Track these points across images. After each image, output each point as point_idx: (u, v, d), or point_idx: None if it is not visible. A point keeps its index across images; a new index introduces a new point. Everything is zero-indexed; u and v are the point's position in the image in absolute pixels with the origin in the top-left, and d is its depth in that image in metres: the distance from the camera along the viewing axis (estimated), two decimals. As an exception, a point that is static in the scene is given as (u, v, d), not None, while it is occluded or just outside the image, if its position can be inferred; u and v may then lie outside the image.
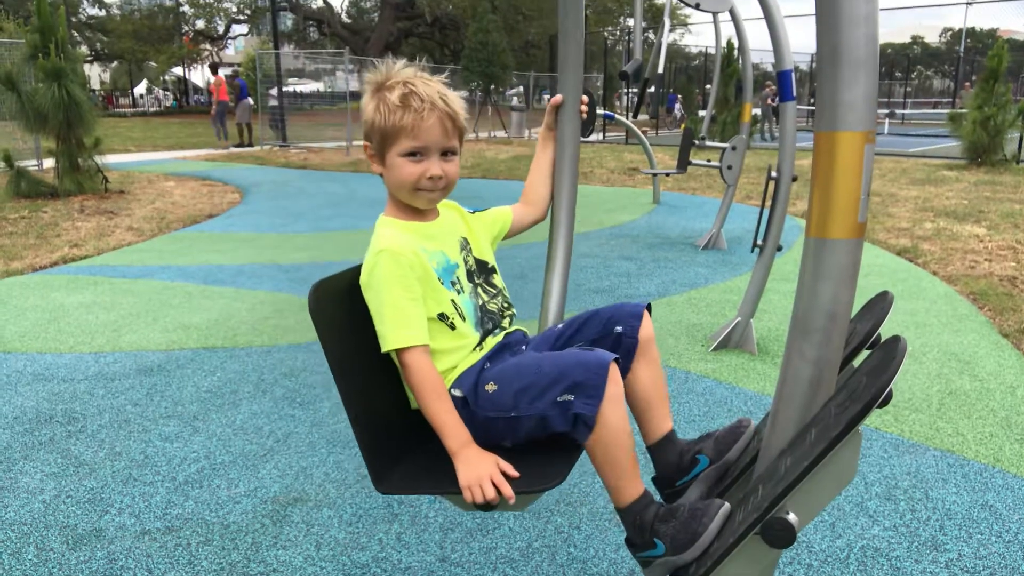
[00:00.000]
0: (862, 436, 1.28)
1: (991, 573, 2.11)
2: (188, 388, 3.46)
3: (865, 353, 1.46)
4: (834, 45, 1.11)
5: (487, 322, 1.69)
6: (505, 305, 1.78)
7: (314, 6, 42.20)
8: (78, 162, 9.54)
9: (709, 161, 7.91)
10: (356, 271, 1.61)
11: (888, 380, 1.17)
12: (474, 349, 1.65)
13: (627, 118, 12.94)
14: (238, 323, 4.42)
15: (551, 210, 2.03)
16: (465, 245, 1.75)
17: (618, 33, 36.58)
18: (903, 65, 44.55)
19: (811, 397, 1.27)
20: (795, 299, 1.26)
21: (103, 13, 42.61)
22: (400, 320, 1.52)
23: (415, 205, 1.67)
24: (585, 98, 1.97)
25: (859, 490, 2.55)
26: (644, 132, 13.43)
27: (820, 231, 1.18)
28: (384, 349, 1.52)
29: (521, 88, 29.18)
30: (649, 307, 1.72)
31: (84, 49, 39.64)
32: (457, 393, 1.58)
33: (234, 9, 42.26)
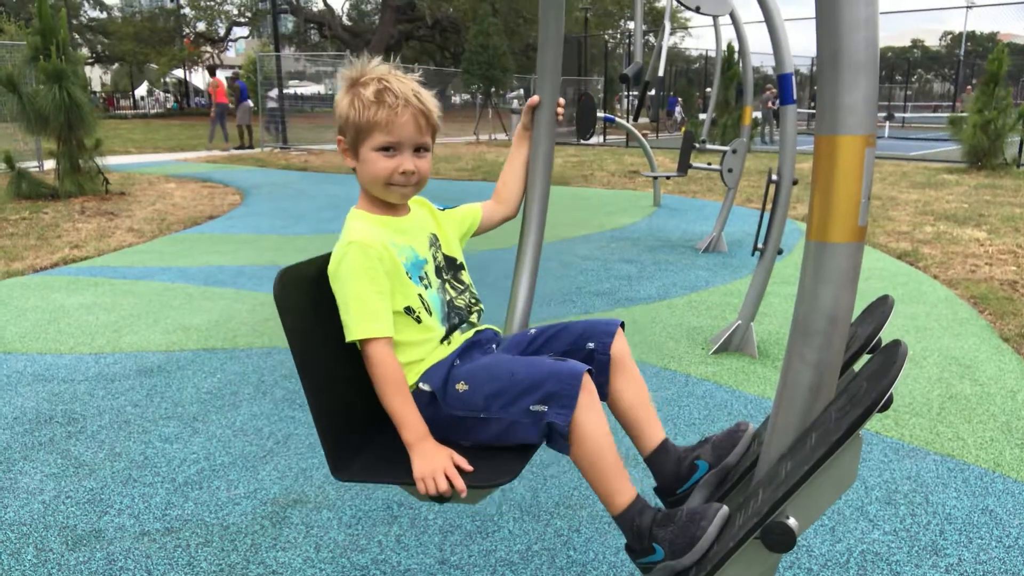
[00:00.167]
0: (862, 440, 1.28)
1: (991, 577, 2.11)
2: (188, 389, 3.46)
3: (866, 357, 1.46)
4: (834, 48, 1.11)
5: (454, 317, 1.72)
6: (473, 301, 1.81)
7: (315, 9, 42.27)
8: (79, 164, 9.55)
9: (710, 164, 7.91)
10: (323, 260, 1.64)
11: (889, 384, 1.17)
12: (441, 343, 1.67)
13: (628, 121, 12.94)
14: (238, 324, 4.42)
15: (523, 209, 2.07)
16: (434, 241, 1.78)
17: (619, 36, 36.63)
18: (903, 69, 44.58)
19: (811, 401, 1.26)
20: (796, 303, 1.26)
21: (104, 15, 42.72)
22: (365, 312, 1.54)
23: (387, 199, 1.69)
24: (562, 100, 2.01)
25: (859, 494, 2.55)
26: (644, 135, 13.44)
27: (821, 235, 1.18)
28: (348, 339, 1.55)
29: (522, 91, 29.21)
30: (623, 325, 1.74)
31: (85, 51, 39.67)
32: (426, 388, 1.61)
33: (235, 11, 42.31)
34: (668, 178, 10.16)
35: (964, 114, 14.12)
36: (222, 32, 44.29)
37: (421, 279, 1.67)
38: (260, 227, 7.94)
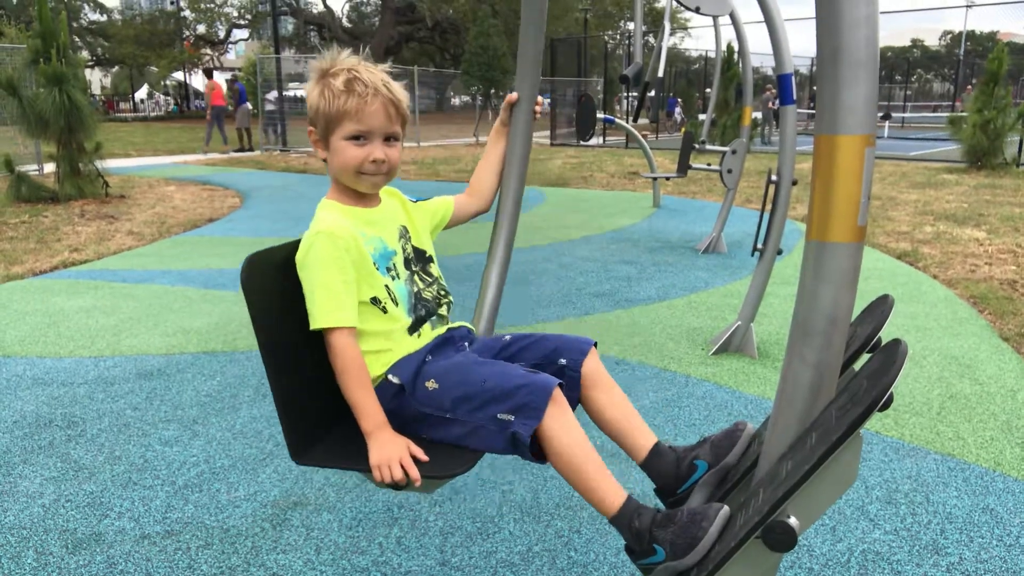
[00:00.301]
0: (863, 440, 1.28)
1: (993, 577, 2.11)
2: (188, 392, 3.46)
3: (866, 357, 1.46)
4: (835, 46, 1.11)
5: (420, 308, 1.73)
6: (441, 293, 1.82)
7: (315, 11, 42.32)
8: (79, 167, 9.55)
9: (709, 165, 7.91)
10: (292, 246, 1.65)
11: (889, 384, 1.16)
12: (410, 334, 1.69)
13: (627, 122, 12.95)
14: (238, 327, 4.42)
15: (497, 204, 2.08)
16: (404, 233, 1.80)
17: (618, 37, 36.64)
18: (903, 68, 44.59)
19: (812, 401, 1.26)
20: (795, 303, 1.26)
21: (104, 18, 42.78)
22: (330, 301, 1.56)
23: (358, 188, 1.71)
24: (540, 99, 2.01)
25: (860, 494, 2.54)
26: (644, 136, 13.45)
27: (820, 235, 1.18)
28: (312, 327, 1.56)
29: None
30: (596, 345, 1.75)
31: (85, 54, 39.76)
32: (394, 380, 1.63)
33: (235, 14, 42.37)
34: (668, 179, 10.16)
35: (964, 114, 14.12)
36: (222, 34, 44.37)
37: (389, 270, 1.69)
38: (260, 230, 7.95)
